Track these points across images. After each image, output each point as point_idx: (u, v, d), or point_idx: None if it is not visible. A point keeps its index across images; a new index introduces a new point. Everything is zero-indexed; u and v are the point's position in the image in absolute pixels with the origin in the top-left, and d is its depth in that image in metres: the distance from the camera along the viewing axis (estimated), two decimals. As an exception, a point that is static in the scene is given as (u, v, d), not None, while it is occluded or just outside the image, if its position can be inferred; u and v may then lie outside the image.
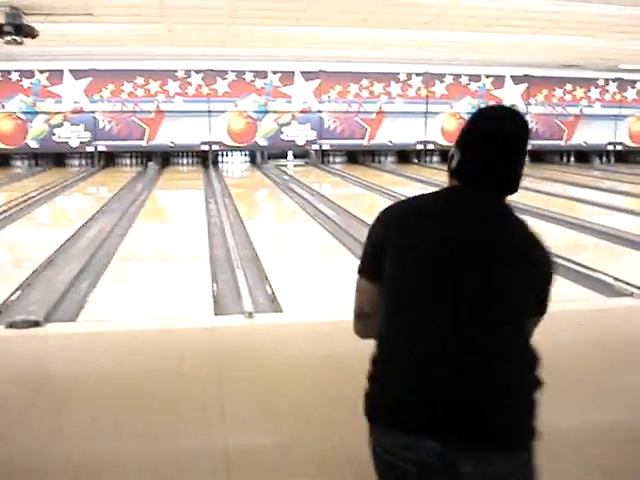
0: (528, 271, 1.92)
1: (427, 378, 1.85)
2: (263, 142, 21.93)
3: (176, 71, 21.04)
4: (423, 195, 2.07)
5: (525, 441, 1.85)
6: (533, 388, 1.90)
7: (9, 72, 20.35)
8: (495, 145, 1.96)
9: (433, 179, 17.73)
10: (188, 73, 21.12)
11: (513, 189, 2.02)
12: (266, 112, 21.70)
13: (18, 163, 21.86)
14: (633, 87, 23.61)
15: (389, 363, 1.97)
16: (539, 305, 2.02)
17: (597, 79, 23.23)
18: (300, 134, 21.80)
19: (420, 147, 22.79)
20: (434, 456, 1.80)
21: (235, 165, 22.70)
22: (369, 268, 2.05)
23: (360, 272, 2.09)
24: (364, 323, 2.14)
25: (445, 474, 1.81)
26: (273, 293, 6.69)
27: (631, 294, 6.59)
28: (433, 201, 2.04)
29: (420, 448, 1.81)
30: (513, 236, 1.98)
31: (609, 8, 12.15)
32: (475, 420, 1.79)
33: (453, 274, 1.88)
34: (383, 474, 1.96)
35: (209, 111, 21.37)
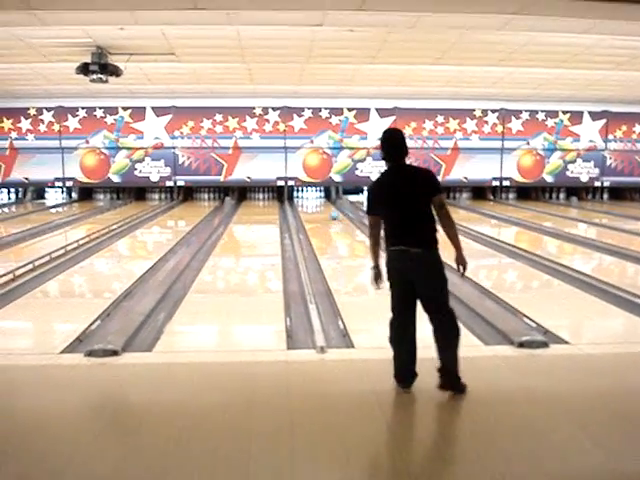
0: (417, 183, 4.76)
1: (397, 232, 4.77)
2: (338, 178, 22.12)
3: (254, 108, 21.46)
4: (380, 175, 4.99)
5: (424, 246, 4.68)
6: (430, 232, 4.70)
7: (94, 109, 21.12)
8: (390, 144, 4.87)
9: (509, 216, 17.55)
10: (265, 110, 21.51)
11: (403, 158, 4.85)
12: (341, 148, 21.91)
13: (100, 197, 22.57)
14: None
15: (388, 231, 4.84)
16: (430, 190, 4.75)
17: (679, 115, 22.70)
18: (374, 170, 21.88)
19: (496, 183, 22.61)
20: (402, 250, 4.70)
21: (310, 200, 22.93)
22: (371, 210, 4.93)
23: (367, 212, 4.98)
24: (375, 234, 4.91)
25: (406, 255, 4.69)
26: (345, 328, 6.73)
27: None
28: (384, 176, 4.93)
29: (397, 249, 4.76)
30: (408, 173, 4.85)
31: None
32: (411, 240, 4.68)
33: (395, 201, 4.74)
34: (390, 262, 4.82)
35: (285, 147, 21.70)
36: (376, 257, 4.94)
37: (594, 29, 10.95)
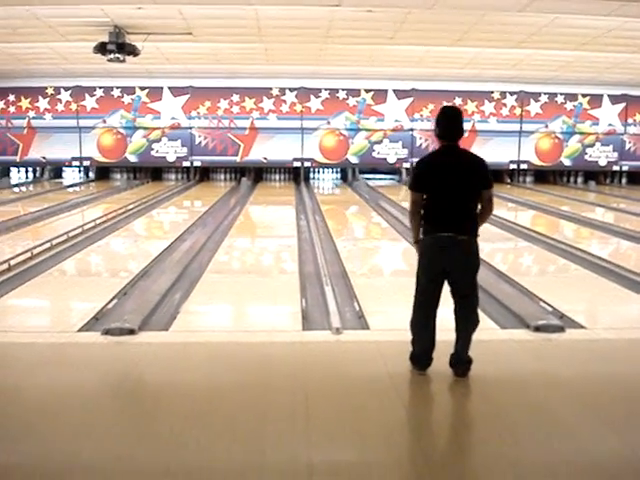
0: (473, 172, 4.68)
1: (446, 217, 4.61)
2: (354, 159, 22.06)
3: (271, 89, 21.41)
4: (433, 152, 4.89)
5: (470, 234, 4.63)
6: (473, 218, 4.69)
7: (111, 88, 21.15)
8: (450, 122, 4.70)
9: (526, 199, 17.47)
10: (282, 91, 21.46)
11: (459, 138, 4.69)
12: (358, 130, 21.83)
13: (117, 176, 22.65)
14: None
15: (434, 216, 4.66)
16: (485, 184, 4.71)
17: (700, 98, 22.43)
18: (391, 152, 21.84)
19: (513, 167, 22.48)
20: (450, 237, 4.57)
21: (326, 182, 22.91)
22: (418, 187, 4.72)
23: (413, 188, 4.76)
24: (418, 210, 4.74)
25: (452, 242, 4.58)
26: (360, 310, 6.73)
27: None
28: (438, 154, 4.76)
29: (445, 235, 4.59)
30: (464, 158, 4.72)
31: None
32: (459, 227, 4.59)
33: (450, 184, 4.60)
34: (430, 248, 4.69)
35: (302, 128, 21.65)
36: (418, 232, 4.80)
37: (617, 11, 10.83)
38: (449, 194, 4.62)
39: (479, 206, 4.74)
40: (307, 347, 5.56)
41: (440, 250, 4.63)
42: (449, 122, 4.72)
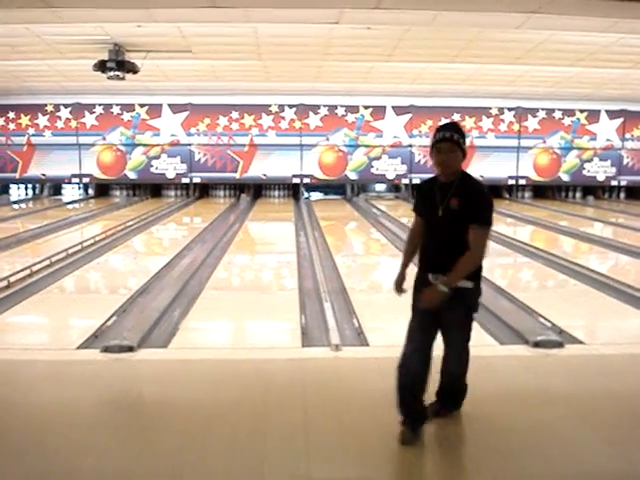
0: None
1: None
2: (353, 176, 22.11)
3: (270, 105, 21.48)
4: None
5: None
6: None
7: (111, 106, 21.22)
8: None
9: (525, 215, 17.48)
10: (281, 107, 21.54)
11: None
12: (357, 146, 21.89)
13: (117, 193, 22.68)
14: None
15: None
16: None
17: (698, 114, 22.51)
18: (390, 168, 21.89)
19: (512, 182, 22.52)
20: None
21: (325, 198, 22.97)
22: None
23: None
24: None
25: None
26: (360, 326, 6.73)
27: None
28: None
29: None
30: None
31: None
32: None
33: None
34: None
35: (301, 145, 21.71)
36: None
37: (613, 28, 10.89)
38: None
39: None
40: (306, 364, 5.55)
41: None
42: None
